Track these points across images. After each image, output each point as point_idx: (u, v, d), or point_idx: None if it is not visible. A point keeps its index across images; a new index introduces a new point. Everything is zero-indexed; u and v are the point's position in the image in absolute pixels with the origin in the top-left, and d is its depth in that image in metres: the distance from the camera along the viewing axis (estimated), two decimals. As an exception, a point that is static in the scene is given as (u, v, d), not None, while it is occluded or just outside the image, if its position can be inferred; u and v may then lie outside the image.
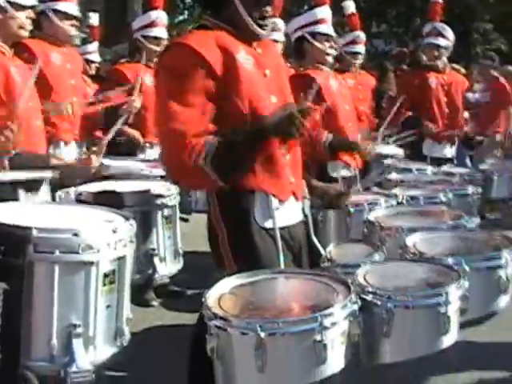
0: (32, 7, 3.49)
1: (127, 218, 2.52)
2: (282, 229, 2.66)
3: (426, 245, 2.68)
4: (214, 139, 2.50)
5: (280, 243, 2.62)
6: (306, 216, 2.88)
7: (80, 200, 3.44)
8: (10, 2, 3.34)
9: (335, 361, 1.98)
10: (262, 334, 1.89)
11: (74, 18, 4.66)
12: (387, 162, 5.44)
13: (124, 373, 3.36)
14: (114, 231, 2.34)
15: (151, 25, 5.33)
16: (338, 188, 3.20)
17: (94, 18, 7.22)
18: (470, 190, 4.36)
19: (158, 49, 5.15)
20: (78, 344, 2.20)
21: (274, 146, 2.63)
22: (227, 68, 2.55)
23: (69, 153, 4.38)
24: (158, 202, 3.53)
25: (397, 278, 2.31)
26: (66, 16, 4.59)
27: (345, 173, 4.40)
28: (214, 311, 1.99)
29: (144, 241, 3.46)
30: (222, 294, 2.15)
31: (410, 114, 5.94)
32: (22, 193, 3.09)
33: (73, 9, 4.65)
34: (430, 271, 2.35)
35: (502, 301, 2.51)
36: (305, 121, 2.55)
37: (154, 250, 3.52)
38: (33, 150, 3.38)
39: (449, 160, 5.93)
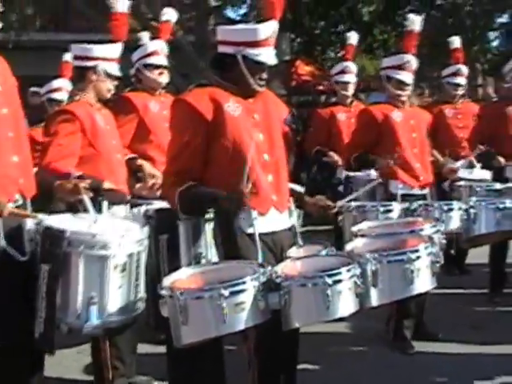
0: (118, 78, 4.68)
1: (142, 227, 3.62)
2: (264, 234, 3.53)
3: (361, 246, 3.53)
4: (188, 186, 3.52)
5: (259, 245, 3.45)
6: (292, 225, 3.74)
7: (147, 215, 4.56)
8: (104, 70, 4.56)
9: (237, 322, 2.95)
10: (181, 298, 2.92)
11: (163, 67, 5.59)
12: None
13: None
14: (123, 236, 3.42)
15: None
16: (325, 202, 3.94)
17: None
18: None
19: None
20: (94, 310, 3.27)
21: (254, 171, 3.52)
22: (216, 115, 3.51)
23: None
24: (207, 215, 4.14)
25: (309, 266, 3.25)
26: (155, 67, 5.55)
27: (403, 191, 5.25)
28: (164, 285, 3.05)
29: (194, 246, 4.30)
30: (179, 278, 3.21)
31: (484, 148, 6.59)
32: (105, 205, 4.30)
33: (159, 60, 5.58)
34: (338, 261, 3.21)
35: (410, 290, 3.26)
36: (241, 203, 3.37)
37: (201, 253, 4.46)
38: (114, 179, 4.56)
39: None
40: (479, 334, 5.53)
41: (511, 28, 16.61)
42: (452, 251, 7.38)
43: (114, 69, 4.68)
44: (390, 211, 4.90)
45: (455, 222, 4.90)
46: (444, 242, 4.07)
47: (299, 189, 6.31)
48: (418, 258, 3.23)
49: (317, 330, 4.56)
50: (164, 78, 5.67)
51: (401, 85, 5.37)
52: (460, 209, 4.91)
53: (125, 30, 4.88)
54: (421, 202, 5.02)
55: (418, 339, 5.35)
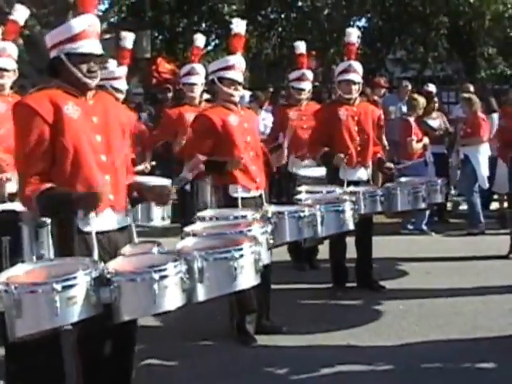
0: None
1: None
2: (100, 233, 3.66)
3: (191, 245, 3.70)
4: (44, 189, 3.55)
5: (95, 243, 3.59)
6: (129, 225, 3.86)
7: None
8: None
9: (70, 315, 3.08)
10: (15, 292, 3.00)
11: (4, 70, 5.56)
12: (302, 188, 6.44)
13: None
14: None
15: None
16: (161, 189, 4.03)
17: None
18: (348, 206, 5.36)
19: None
20: None
21: (92, 171, 3.66)
22: (56, 117, 3.61)
23: None
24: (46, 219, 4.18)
25: (139, 263, 3.40)
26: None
27: (243, 194, 5.38)
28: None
29: (36, 246, 4.26)
30: (15, 273, 3.28)
31: (326, 149, 6.74)
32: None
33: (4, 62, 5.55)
34: (167, 258, 3.36)
35: (235, 286, 3.44)
36: (99, 201, 3.49)
37: (43, 254, 4.27)
38: None
39: (366, 182, 6.74)
40: (320, 326, 5.79)
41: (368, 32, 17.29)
42: (303, 246, 7.69)
43: None
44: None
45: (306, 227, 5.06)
46: (271, 242, 4.28)
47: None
48: (242, 256, 3.42)
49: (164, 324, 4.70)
50: (5, 81, 5.64)
51: (234, 83, 5.44)
52: (310, 215, 5.07)
53: None
54: (274, 210, 5.09)
55: (263, 333, 5.55)
